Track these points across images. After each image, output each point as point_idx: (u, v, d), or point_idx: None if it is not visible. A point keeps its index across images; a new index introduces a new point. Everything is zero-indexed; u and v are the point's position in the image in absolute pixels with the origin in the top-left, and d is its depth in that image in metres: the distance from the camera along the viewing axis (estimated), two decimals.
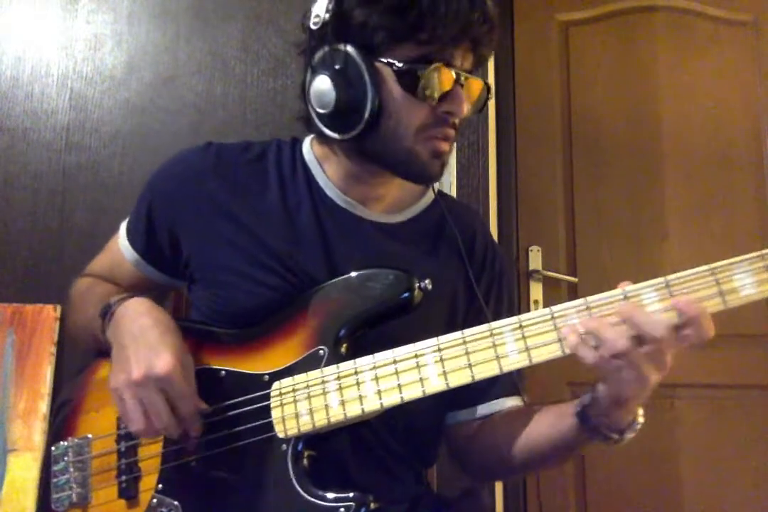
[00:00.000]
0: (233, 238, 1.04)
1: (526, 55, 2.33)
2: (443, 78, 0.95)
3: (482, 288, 1.11)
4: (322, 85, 0.96)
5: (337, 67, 0.95)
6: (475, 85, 1.00)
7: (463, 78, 0.97)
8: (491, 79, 1.98)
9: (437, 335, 0.88)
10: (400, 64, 0.94)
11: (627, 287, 0.81)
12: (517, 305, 1.19)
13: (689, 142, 2.24)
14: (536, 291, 2.17)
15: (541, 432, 0.97)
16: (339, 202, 1.07)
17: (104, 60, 1.98)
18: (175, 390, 0.90)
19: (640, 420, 0.88)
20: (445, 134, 0.99)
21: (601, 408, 0.86)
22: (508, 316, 0.86)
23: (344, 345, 0.93)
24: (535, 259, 2.19)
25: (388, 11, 0.92)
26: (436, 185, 1.55)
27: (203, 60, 1.97)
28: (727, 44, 2.28)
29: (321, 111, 0.97)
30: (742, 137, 2.23)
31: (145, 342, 0.92)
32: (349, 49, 0.94)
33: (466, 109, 0.97)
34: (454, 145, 1.05)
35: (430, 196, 1.16)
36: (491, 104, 1.96)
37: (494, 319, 0.87)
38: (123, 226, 1.15)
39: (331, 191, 1.07)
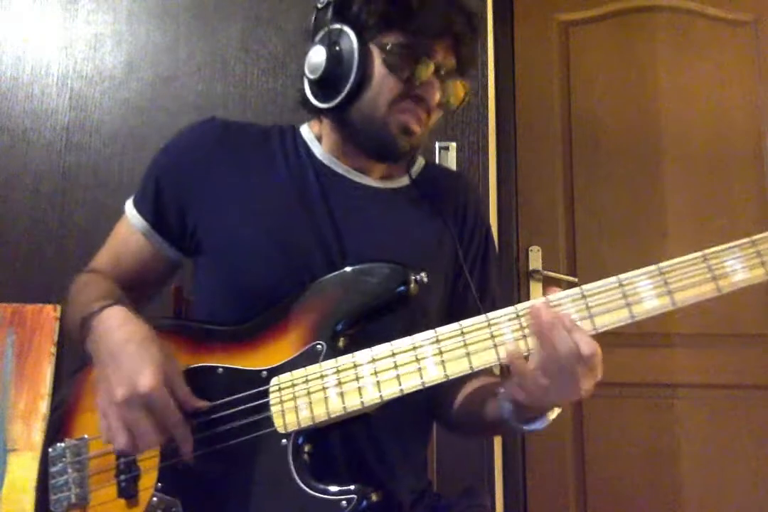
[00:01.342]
0: (241, 204, 1.07)
1: (526, 55, 2.33)
2: (422, 65, 1.04)
3: (471, 255, 1.17)
4: (316, 54, 1.06)
5: (333, 41, 1.06)
6: (453, 82, 1.08)
7: (442, 71, 1.06)
8: (491, 79, 1.98)
9: (434, 320, 0.90)
10: (390, 46, 1.03)
11: (622, 275, 0.82)
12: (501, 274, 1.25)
13: (689, 142, 2.24)
14: (536, 291, 2.17)
15: (481, 405, 0.99)
16: (339, 171, 1.13)
17: (104, 60, 1.98)
18: (160, 405, 0.89)
19: (557, 409, 0.89)
20: (416, 112, 1.06)
21: (514, 403, 0.88)
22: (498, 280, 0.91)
23: (342, 340, 0.94)
24: (535, 259, 2.19)
25: (384, 0, 1.03)
26: (442, 159, 1.54)
27: (203, 60, 1.97)
28: (727, 44, 2.28)
29: (311, 76, 1.07)
30: (742, 137, 2.23)
31: (125, 359, 0.90)
32: (346, 28, 1.05)
33: (438, 97, 1.06)
34: (426, 131, 1.10)
35: (419, 164, 1.22)
36: (491, 104, 1.96)
37: (482, 285, 0.87)
38: (129, 203, 1.16)
39: (330, 161, 1.13)
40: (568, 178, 2.26)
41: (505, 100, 2.25)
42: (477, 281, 1.14)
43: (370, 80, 1.04)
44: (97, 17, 2.00)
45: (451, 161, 1.88)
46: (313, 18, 1.10)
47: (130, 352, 0.91)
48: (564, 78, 2.31)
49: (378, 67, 1.04)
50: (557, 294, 0.84)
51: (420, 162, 1.22)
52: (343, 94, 1.04)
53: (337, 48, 1.05)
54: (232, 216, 1.06)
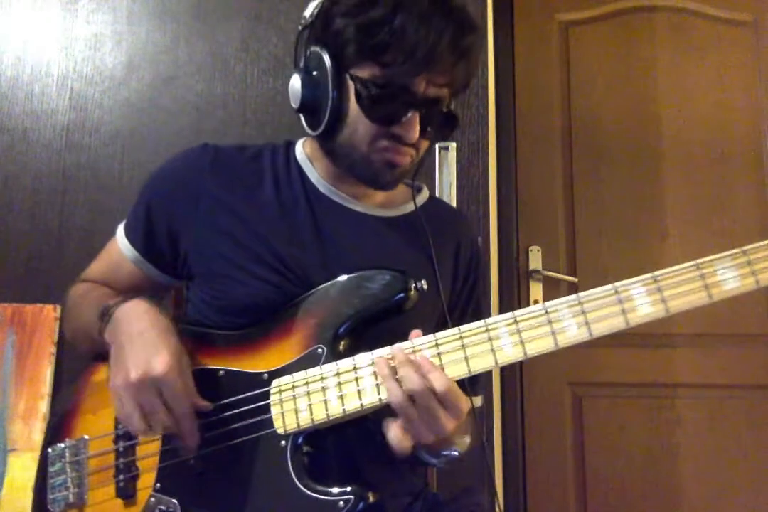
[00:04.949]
0: (232, 231, 1.04)
1: (526, 55, 2.33)
2: (397, 104, 0.96)
3: (465, 291, 1.16)
4: (295, 83, 1.02)
5: (310, 68, 1.01)
6: (439, 111, 1.00)
7: (423, 110, 0.97)
8: (491, 79, 1.98)
9: (433, 330, 0.90)
10: (362, 82, 0.96)
11: (617, 282, 0.84)
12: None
13: (689, 142, 2.24)
14: (536, 291, 2.17)
15: None
16: (333, 197, 1.10)
17: (104, 60, 1.98)
18: (172, 390, 0.90)
19: (466, 440, 0.93)
20: (397, 148, 1.00)
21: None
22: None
23: (342, 344, 0.94)
24: (535, 259, 2.19)
25: (361, 28, 0.94)
26: (436, 189, 1.54)
27: (203, 60, 1.97)
28: (727, 44, 2.28)
29: (294, 106, 1.04)
30: (742, 137, 2.23)
31: (143, 344, 0.93)
32: (323, 55, 0.98)
33: (416, 134, 0.98)
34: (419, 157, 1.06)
35: (423, 196, 1.19)
36: (491, 104, 1.96)
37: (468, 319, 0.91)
38: (120, 229, 1.16)
39: (324, 187, 1.10)
40: (568, 178, 2.26)
41: (505, 100, 2.25)
42: (458, 319, 1.11)
43: (346, 116, 0.99)
44: (97, 17, 2.00)
45: (451, 161, 1.88)
46: (296, 39, 1.05)
47: (149, 339, 0.93)
48: (564, 78, 2.31)
49: (353, 103, 0.98)
50: (554, 301, 0.87)
51: (424, 193, 1.20)
52: (321, 128, 1.01)
53: (313, 78, 1.00)
54: (222, 240, 1.04)
